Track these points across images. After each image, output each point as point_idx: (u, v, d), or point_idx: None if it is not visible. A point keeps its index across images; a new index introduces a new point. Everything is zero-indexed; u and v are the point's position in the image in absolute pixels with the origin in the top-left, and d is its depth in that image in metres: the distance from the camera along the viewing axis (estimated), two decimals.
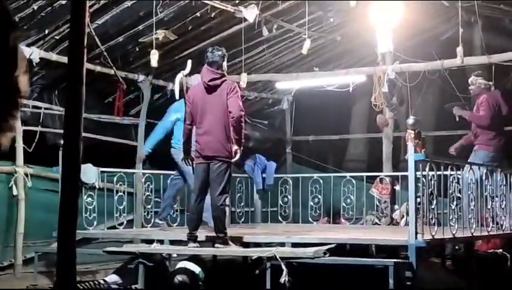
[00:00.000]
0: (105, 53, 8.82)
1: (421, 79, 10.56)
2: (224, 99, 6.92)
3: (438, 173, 6.72)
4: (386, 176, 10.68)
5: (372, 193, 10.58)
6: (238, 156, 6.98)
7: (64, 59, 8.04)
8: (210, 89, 7.02)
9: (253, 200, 10.81)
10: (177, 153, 8.13)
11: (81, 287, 7.20)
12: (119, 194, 9.10)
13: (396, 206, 10.60)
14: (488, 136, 8.93)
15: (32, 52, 8.46)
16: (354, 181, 10.29)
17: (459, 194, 7.35)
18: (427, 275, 6.95)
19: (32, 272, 8.38)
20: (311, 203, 10.40)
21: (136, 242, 8.59)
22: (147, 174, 9.50)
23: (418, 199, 6.53)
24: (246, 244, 7.56)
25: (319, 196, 10.35)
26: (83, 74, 2.75)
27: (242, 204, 10.62)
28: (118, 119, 10.50)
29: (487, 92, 9.11)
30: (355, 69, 11.25)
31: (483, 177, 7.73)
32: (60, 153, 7.42)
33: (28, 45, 8.51)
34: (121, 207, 9.05)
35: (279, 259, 6.47)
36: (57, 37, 8.77)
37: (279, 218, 10.60)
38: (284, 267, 6.41)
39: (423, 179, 6.53)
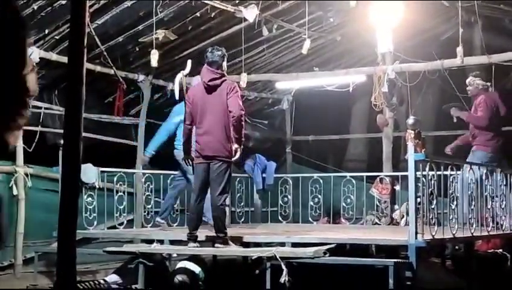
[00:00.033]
0: (105, 53, 8.82)
1: (421, 79, 10.56)
2: (224, 99, 6.92)
3: (438, 173, 6.72)
4: (386, 176, 10.68)
5: (372, 192, 10.58)
6: (238, 155, 6.98)
7: (64, 59, 8.04)
8: (210, 89, 7.02)
9: (253, 200, 10.82)
10: (180, 154, 8.13)
11: (81, 287, 7.20)
12: (119, 194, 9.10)
13: (396, 206, 10.60)
14: (486, 137, 8.93)
15: (32, 52, 8.45)
16: (354, 181, 10.29)
17: (458, 194, 7.35)
18: (427, 275, 6.95)
19: (32, 272, 8.38)
20: (311, 203, 10.40)
21: (136, 242, 8.59)
22: (147, 174, 9.50)
23: (418, 199, 6.53)
24: (246, 244, 7.56)
25: (319, 196, 10.35)
26: (83, 74, 2.74)
27: (242, 204, 10.62)
28: (118, 119, 10.50)
29: (485, 92, 9.09)
30: (355, 69, 11.26)
31: (483, 177, 7.72)
32: (60, 153, 7.42)
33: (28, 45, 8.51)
34: (121, 207, 9.06)
35: (279, 259, 6.47)
36: (57, 37, 8.77)
37: (279, 218, 10.61)
38: (284, 267, 6.41)
39: (423, 179, 6.53)
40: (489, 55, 9.71)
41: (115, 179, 9.04)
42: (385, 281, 6.16)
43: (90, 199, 8.58)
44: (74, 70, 2.75)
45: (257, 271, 6.74)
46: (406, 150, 7.46)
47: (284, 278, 6.37)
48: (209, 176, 7.00)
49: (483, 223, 7.74)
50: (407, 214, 7.78)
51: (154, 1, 8.58)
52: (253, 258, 6.75)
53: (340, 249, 6.92)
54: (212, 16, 9.37)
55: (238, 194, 10.58)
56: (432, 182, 6.61)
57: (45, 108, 9.55)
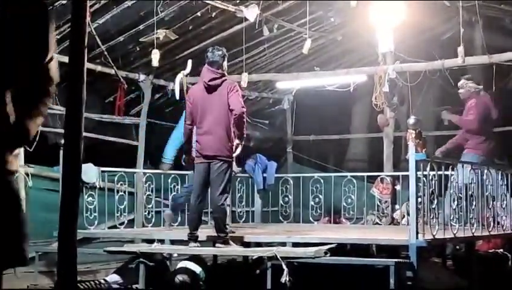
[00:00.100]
0: (106, 53, 8.82)
1: (421, 79, 10.54)
2: (225, 99, 6.91)
3: (439, 172, 6.72)
4: (387, 175, 10.68)
5: (372, 192, 10.58)
6: (238, 151, 6.98)
7: (65, 59, 7.99)
8: (210, 89, 7.01)
9: (254, 200, 10.81)
10: None
11: (82, 287, 7.19)
12: (120, 193, 9.09)
13: (397, 206, 10.60)
14: (478, 140, 8.93)
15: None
16: (354, 181, 10.28)
17: (460, 194, 7.34)
18: (427, 275, 6.94)
19: (32, 271, 8.36)
20: (312, 203, 10.39)
21: (137, 242, 8.59)
22: (147, 174, 9.50)
23: (419, 199, 6.52)
24: (247, 244, 7.55)
25: (320, 196, 10.34)
26: (83, 74, 2.75)
27: (243, 204, 10.61)
28: (118, 118, 10.50)
29: (476, 96, 9.08)
30: (356, 68, 11.25)
31: (479, 178, 7.71)
32: (61, 152, 7.41)
33: None
34: (122, 207, 9.05)
35: (280, 259, 6.46)
36: (57, 37, 8.76)
37: (280, 218, 10.60)
38: (284, 267, 6.40)
39: (424, 178, 6.53)
40: (490, 55, 9.70)
41: (116, 178, 9.04)
42: (386, 281, 6.16)
43: (90, 198, 8.57)
44: (75, 70, 2.76)
45: (258, 271, 6.74)
46: (407, 150, 7.45)
47: (284, 278, 6.36)
48: (209, 176, 7.00)
49: (484, 223, 7.74)
50: (408, 214, 7.77)
51: (155, 1, 8.58)
52: (254, 258, 6.75)
53: (340, 249, 6.92)
54: (212, 15, 9.37)
55: (239, 194, 10.57)
56: (433, 182, 6.61)
57: None
